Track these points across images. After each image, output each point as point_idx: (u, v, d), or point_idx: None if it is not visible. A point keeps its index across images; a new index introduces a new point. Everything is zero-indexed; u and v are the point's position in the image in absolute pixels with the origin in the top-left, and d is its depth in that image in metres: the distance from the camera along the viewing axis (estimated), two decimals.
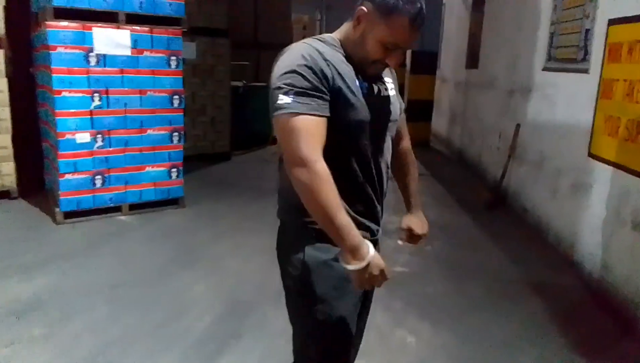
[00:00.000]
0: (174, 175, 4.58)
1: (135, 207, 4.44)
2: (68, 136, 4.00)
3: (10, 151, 4.60)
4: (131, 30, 4.08)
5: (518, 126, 4.91)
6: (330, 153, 1.21)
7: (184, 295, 3.01)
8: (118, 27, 4.03)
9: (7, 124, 4.53)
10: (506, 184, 5.12)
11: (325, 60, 1.24)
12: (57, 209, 4.13)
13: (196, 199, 4.83)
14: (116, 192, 4.31)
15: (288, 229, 1.42)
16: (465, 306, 3.04)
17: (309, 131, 1.17)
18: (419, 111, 8.47)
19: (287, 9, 9.21)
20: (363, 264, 1.17)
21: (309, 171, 1.15)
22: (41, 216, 4.29)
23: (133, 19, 4.09)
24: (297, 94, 1.18)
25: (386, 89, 1.42)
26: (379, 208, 1.42)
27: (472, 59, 7.10)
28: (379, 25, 1.23)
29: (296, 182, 1.18)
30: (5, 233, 3.90)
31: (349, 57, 1.31)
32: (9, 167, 4.61)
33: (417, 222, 1.60)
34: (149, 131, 4.36)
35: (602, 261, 3.13)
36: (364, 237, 1.24)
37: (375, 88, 1.35)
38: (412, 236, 1.59)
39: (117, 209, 4.36)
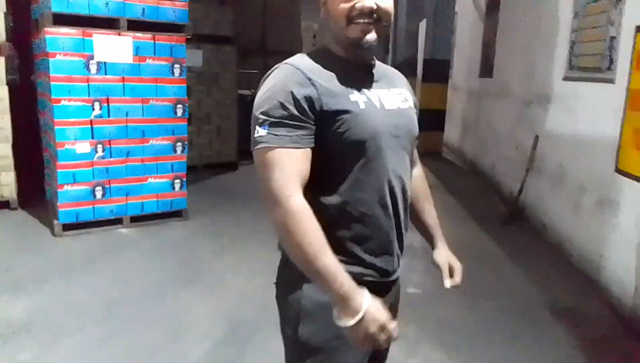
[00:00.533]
0: (177, 186, 4.42)
1: (136, 219, 4.28)
2: (67, 146, 3.86)
3: (10, 160, 4.47)
4: (133, 37, 3.95)
5: (536, 137, 4.69)
6: (329, 184, 1.06)
7: (182, 316, 2.83)
8: (119, 34, 3.89)
9: (7, 133, 4.41)
10: (523, 198, 4.90)
11: (309, 79, 1.08)
12: (55, 221, 3.98)
13: (200, 211, 4.67)
14: (117, 204, 4.16)
15: (287, 263, 1.22)
16: (482, 331, 2.82)
17: (285, 165, 1.02)
18: (431, 120, 8.27)
19: (297, 16, 9.09)
20: (355, 319, 0.97)
21: (281, 208, 1.01)
22: (40, 228, 4.15)
23: (135, 25, 3.95)
24: (272, 125, 1.04)
25: (404, 100, 1.23)
26: (396, 243, 1.21)
27: (486, 68, 6.90)
28: None
29: (272, 224, 1.04)
30: (3, 246, 3.76)
31: (338, 58, 1.16)
32: (9, 177, 4.49)
33: (450, 255, 1.41)
34: (152, 141, 4.21)
35: (634, 287, 2.90)
36: (370, 279, 1.07)
37: (377, 100, 1.15)
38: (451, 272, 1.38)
39: (118, 221, 4.21)
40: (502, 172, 5.84)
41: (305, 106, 1.05)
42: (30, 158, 4.85)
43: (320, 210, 1.07)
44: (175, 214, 4.47)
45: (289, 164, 1.02)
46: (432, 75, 8.24)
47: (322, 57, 1.16)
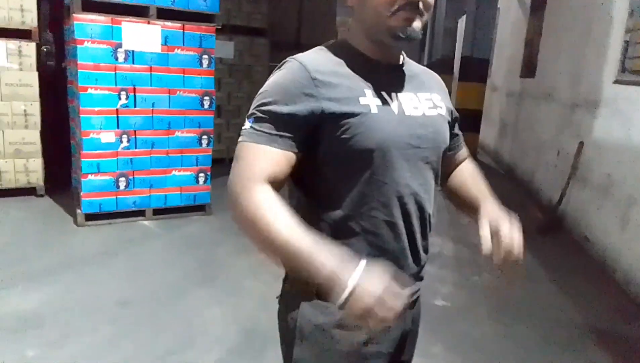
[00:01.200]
0: (201, 180, 4.32)
1: (159, 212, 4.21)
2: (92, 135, 3.80)
3: (38, 147, 4.47)
4: (162, 26, 3.85)
5: (581, 143, 4.38)
6: (332, 197, 0.97)
7: (196, 318, 2.71)
8: (148, 22, 3.80)
9: (36, 119, 4.40)
10: (564, 208, 4.59)
11: (314, 79, 0.95)
12: (78, 211, 3.94)
13: (224, 206, 4.51)
14: (140, 195, 4.09)
15: (287, 279, 1.09)
16: (516, 353, 2.60)
17: (255, 161, 0.92)
18: (466, 120, 7.91)
19: (332, 10, 8.90)
20: (343, 296, 0.80)
21: (243, 200, 0.90)
22: (63, 216, 4.12)
23: (164, 14, 3.85)
24: (257, 120, 0.95)
25: (433, 106, 1.07)
26: (408, 269, 1.05)
27: (528, 68, 6.55)
28: None
29: (236, 222, 0.93)
30: (23, 234, 3.73)
31: (360, 54, 1.02)
32: (36, 164, 4.48)
33: (501, 215, 1.10)
34: (177, 133, 4.12)
35: None
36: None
37: (396, 105, 1.00)
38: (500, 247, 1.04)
39: (140, 213, 4.15)
40: (541, 178, 5.52)
41: (300, 108, 0.93)
42: (59, 145, 4.85)
43: (320, 225, 0.97)
44: (198, 208, 4.38)
45: (260, 162, 0.92)
46: (469, 73, 7.91)
47: (341, 52, 1.02)
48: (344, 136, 0.94)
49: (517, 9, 7.57)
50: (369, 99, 0.96)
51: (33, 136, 4.43)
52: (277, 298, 1.13)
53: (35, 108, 4.37)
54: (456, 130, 1.26)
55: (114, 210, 4.02)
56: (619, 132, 3.75)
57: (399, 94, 1.02)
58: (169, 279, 3.14)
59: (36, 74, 4.33)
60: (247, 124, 0.96)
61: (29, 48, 4.28)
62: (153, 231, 4.00)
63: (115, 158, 3.92)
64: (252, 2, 6.36)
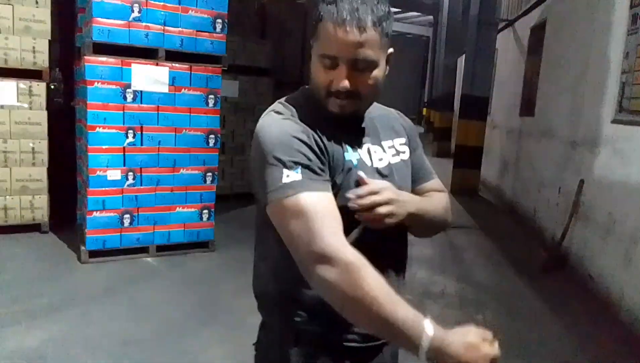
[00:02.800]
0: (205, 217, 4.36)
1: (162, 249, 4.22)
2: (99, 173, 3.86)
3: (44, 184, 4.52)
4: (170, 68, 3.96)
5: (582, 181, 4.42)
6: None
7: (201, 356, 2.69)
8: (157, 64, 3.92)
9: (44, 156, 4.47)
10: (567, 245, 4.59)
11: (309, 135, 0.98)
12: (82, 248, 3.96)
13: (227, 243, 4.57)
14: (144, 232, 4.11)
15: (271, 327, 1.09)
16: None
17: (329, 212, 0.89)
18: (467, 157, 8.05)
19: None
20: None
21: (335, 263, 0.84)
22: (67, 253, 4.13)
23: (173, 55, 3.98)
24: (305, 168, 0.92)
25: (395, 153, 1.12)
26: None
27: (527, 106, 6.67)
28: (314, 41, 1.02)
29: (323, 285, 0.87)
30: (28, 271, 3.74)
31: (326, 110, 1.02)
32: (42, 200, 4.52)
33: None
34: (182, 170, 4.18)
35: None
36: (354, 344, 1.01)
37: (367, 158, 1.05)
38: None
39: (143, 250, 4.16)
40: (543, 216, 5.54)
41: (323, 154, 0.97)
42: (64, 182, 4.91)
43: (294, 270, 0.93)
44: (202, 245, 4.39)
45: (331, 211, 0.90)
46: (469, 111, 8.04)
47: (312, 107, 1.04)
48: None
49: (515, 49, 7.77)
50: (350, 154, 1.02)
51: (40, 173, 4.49)
52: (253, 345, 1.15)
53: (43, 146, 4.45)
54: (417, 159, 1.20)
55: (118, 247, 4.04)
56: (619, 171, 3.80)
57: (367, 145, 1.07)
58: (172, 317, 3.13)
59: (45, 113, 4.43)
60: (296, 175, 0.91)
61: (40, 88, 4.39)
62: (156, 268, 4.00)
63: (121, 195, 3.97)
64: (257, 42, 6.56)
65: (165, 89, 3.98)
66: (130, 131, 3.91)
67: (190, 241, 4.33)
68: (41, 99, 4.41)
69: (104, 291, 3.47)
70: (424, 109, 23.35)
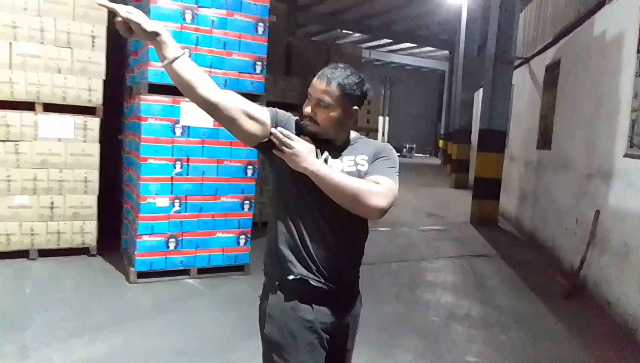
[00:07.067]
0: (242, 242, 4.68)
1: (202, 271, 4.54)
2: (149, 200, 4.23)
3: (94, 210, 4.91)
4: None
5: (597, 212, 4.66)
6: (281, 209, 1.74)
7: None
8: None
9: (95, 185, 4.87)
10: (585, 272, 4.80)
11: None
12: (131, 269, 4.29)
13: (260, 267, 4.83)
14: (187, 255, 4.44)
15: (264, 280, 1.73)
16: None
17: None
18: (486, 188, 8.30)
19: None
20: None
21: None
22: (116, 274, 4.47)
23: None
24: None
25: (353, 164, 1.62)
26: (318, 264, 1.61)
27: (544, 140, 6.95)
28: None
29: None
30: (84, 290, 4.08)
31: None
32: (91, 226, 4.90)
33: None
34: (223, 198, 4.53)
35: None
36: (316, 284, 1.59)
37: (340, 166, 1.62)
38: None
39: (185, 272, 4.48)
40: (562, 245, 5.75)
41: None
42: (109, 209, 5.29)
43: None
44: (238, 268, 4.70)
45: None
46: (488, 145, 8.32)
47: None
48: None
49: (530, 86, 8.10)
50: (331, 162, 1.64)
51: (90, 201, 4.88)
52: (259, 297, 1.69)
53: (94, 175, 4.86)
54: (373, 166, 1.64)
55: (163, 269, 4.37)
56: (633, 202, 4.04)
57: (333, 160, 1.61)
58: (218, 332, 3.42)
59: (98, 145, 4.86)
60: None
61: (94, 123, 4.83)
62: (198, 289, 4.31)
63: (167, 221, 4.32)
64: (285, 79, 7.00)
65: (210, 124, 4.37)
66: (178, 162, 4.29)
67: (228, 264, 4.64)
68: (94, 133, 4.84)
69: (154, 308, 3.78)
70: (441, 141, 23.69)
